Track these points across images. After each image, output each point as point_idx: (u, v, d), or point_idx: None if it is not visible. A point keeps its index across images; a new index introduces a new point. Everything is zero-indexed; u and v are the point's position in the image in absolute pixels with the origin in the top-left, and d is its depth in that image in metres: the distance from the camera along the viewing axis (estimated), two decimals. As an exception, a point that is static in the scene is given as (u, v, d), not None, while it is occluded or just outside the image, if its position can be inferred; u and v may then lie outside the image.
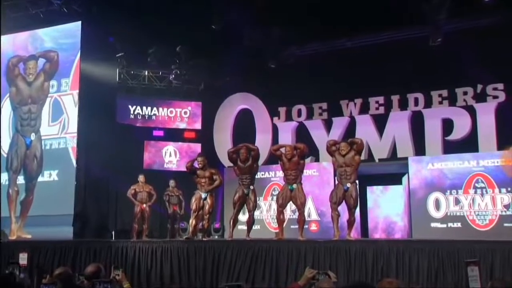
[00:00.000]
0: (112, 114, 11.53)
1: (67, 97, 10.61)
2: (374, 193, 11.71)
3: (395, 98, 10.84)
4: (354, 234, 8.93)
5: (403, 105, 10.79)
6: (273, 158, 9.52)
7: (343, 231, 8.11)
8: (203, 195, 8.41)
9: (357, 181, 8.00)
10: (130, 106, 12.52)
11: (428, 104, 10.55)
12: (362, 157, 10.62)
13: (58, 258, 7.89)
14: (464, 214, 9.52)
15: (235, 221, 8.52)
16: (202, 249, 7.51)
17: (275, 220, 8.97)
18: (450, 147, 10.19)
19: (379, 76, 10.39)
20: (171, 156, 12.66)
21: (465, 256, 5.93)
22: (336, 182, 8.13)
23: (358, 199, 8.02)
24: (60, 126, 10.58)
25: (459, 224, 9.50)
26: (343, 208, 8.03)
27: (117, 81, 12.00)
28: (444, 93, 10.36)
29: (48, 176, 10.52)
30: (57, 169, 10.44)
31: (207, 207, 8.41)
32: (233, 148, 8.82)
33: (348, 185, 7.81)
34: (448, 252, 6.30)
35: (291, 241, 7.60)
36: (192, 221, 8.39)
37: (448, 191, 9.69)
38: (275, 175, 11.10)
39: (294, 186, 8.08)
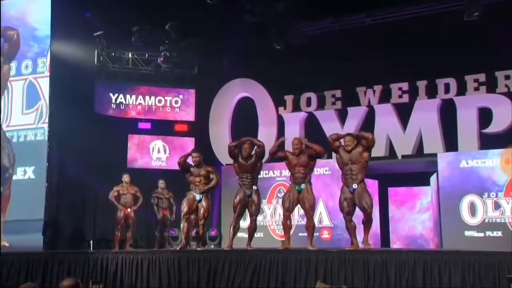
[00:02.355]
0: (89, 103, 11.59)
1: (44, 80, 10.59)
2: (397, 195, 11.64)
3: (421, 84, 10.76)
4: (373, 243, 8.84)
5: (431, 92, 10.71)
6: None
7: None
8: (198, 197, 8.40)
9: (365, 181, 7.88)
10: (111, 94, 12.44)
11: (462, 90, 10.46)
12: (382, 153, 10.76)
13: (25, 273, 7.89)
14: (505, 221, 9.41)
15: (236, 227, 8.48)
16: (195, 260, 7.51)
17: (281, 227, 8.99)
18: (488, 142, 10.11)
19: (402, 59, 10.32)
20: (160, 153, 12.62)
21: (507, 271, 5.91)
22: (341, 184, 8.01)
23: (371, 199, 7.89)
24: (37, 114, 10.56)
25: (499, 233, 9.41)
26: (358, 213, 7.93)
27: (95, 65, 11.98)
28: (481, 77, 10.27)
29: (22, 173, 10.47)
30: (33, 165, 10.45)
31: (201, 210, 8.42)
32: (235, 141, 8.79)
33: (354, 186, 7.71)
34: (486, 265, 6.23)
35: (299, 251, 7.56)
36: (183, 226, 8.38)
37: (486, 193, 9.59)
38: (281, 174, 11.07)
39: (303, 186, 8.01)
